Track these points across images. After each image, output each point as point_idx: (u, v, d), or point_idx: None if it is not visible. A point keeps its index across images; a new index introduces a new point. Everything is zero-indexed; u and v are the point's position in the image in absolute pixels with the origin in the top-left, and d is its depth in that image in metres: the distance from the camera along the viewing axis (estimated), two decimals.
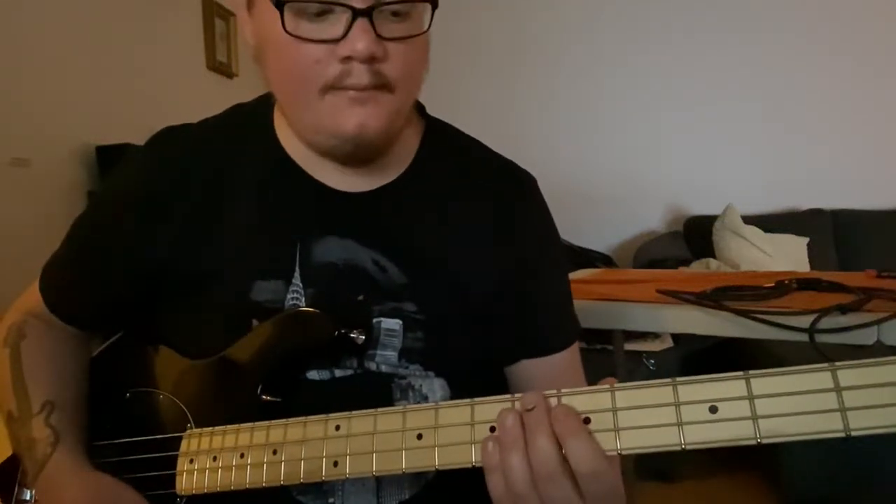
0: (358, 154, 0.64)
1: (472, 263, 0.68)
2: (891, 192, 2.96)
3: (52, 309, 0.75)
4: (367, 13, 0.55)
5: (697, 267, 2.63)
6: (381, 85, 0.59)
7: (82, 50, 2.02)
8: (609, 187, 3.28)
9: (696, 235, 2.96)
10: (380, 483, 0.65)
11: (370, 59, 0.57)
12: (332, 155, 0.66)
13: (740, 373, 0.43)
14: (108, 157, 1.98)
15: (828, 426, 0.40)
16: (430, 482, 0.66)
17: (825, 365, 0.41)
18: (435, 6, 0.59)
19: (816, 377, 0.40)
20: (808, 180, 3.07)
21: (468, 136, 0.76)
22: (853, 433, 0.39)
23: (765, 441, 0.41)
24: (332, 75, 0.57)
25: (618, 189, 3.27)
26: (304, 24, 0.57)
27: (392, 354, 0.65)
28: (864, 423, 0.39)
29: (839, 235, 2.88)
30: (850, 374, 0.40)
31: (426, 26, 0.60)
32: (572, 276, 1.81)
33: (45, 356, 0.73)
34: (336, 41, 0.56)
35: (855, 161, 3.03)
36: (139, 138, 0.75)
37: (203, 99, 2.62)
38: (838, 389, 0.40)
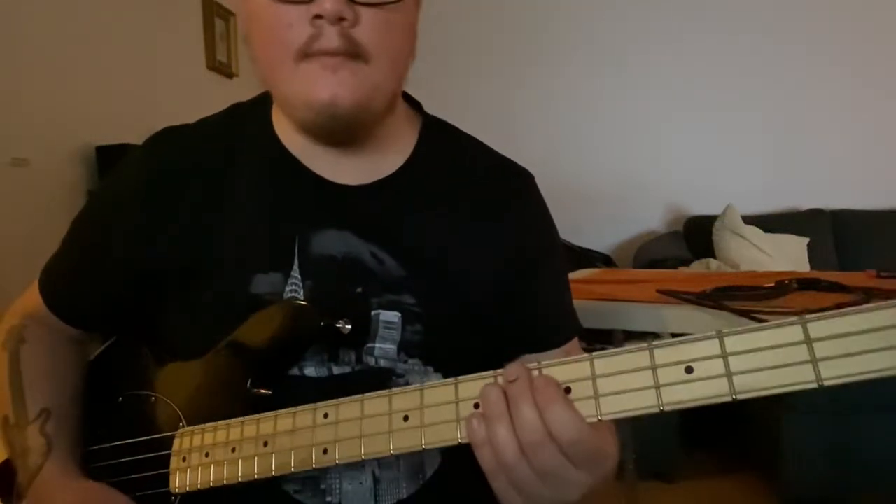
0: (335, 129, 0.63)
1: (471, 259, 0.68)
2: (891, 192, 2.97)
3: (52, 310, 0.75)
4: None
5: (697, 267, 2.63)
6: (354, 53, 0.58)
7: (82, 50, 2.02)
8: (609, 187, 3.28)
9: (696, 235, 2.96)
10: (377, 482, 0.65)
11: (339, 20, 0.57)
12: (312, 132, 0.65)
13: (714, 332, 0.43)
14: (108, 157, 1.97)
15: (800, 378, 0.40)
16: (427, 481, 0.66)
17: (795, 318, 0.41)
18: None
19: (788, 331, 0.41)
20: (808, 180, 3.07)
21: (465, 134, 0.77)
22: (825, 383, 0.39)
23: (740, 397, 0.42)
24: (305, 37, 0.57)
25: (618, 189, 3.27)
26: None
27: (391, 348, 0.65)
28: (835, 373, 0.39)
29: (839, 235, 2.88)
30: (820, 327, 0.40)
31: None
32: (572, 276, 1.81)
33: (45, 363, 0.72)
34: (308, 2, 0.57)
35: (855, 161, 3.03)
36: (139, 138, 0.75)
37: (203, 99, 2.62)
38: (809, 342, 0.40)
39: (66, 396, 0.72)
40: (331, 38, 0.57)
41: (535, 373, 0.48)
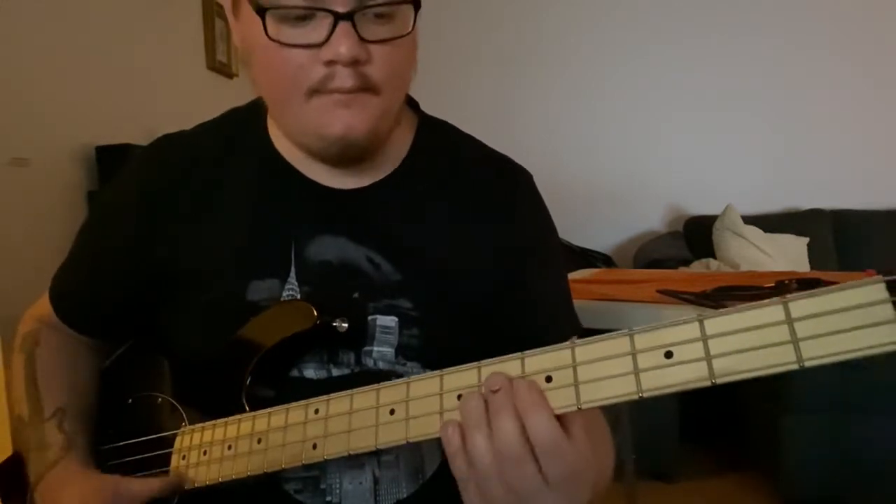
0: (346, 156, 0.64)
1: (468, 259, 0.68)
2: (891, 192, 2.97)
3: (63, 320, 0.76)
4: (349, 17, 0.55)
5: (697, 267, 2.63)
6: (366, 87, 0.59)
7: (82, 50, 2.02)
8: (609, 187, 3.28)
9: (696, 235, 2.96)
10: (377, 482, 0.65)
11: (353, 63, 0.57)
12: (321, 156, 0.66)
13: (694, 315, 0.43)
14: (108, 157, 1.97)
15: (781, 359, 0.39)
16: (427, 481, 0.66)
17: (776, 299, 0.40)
18: (417, 7, 0.59)
19: (769, 311, 0.40)
20: (808, 180, 3.07)
21: (462, 132, 0.76)
22: (806, 364, 0.38)
23: (719, 381, 0.41)
24: (317, 78, 0.57)
25: (618, 189, 3.27)
26: (287, 30, 0.57)
27: (389, 351, 0.65)
28: (817, 353, 0.38)
29: (839, 235, 2.88)
30: (801, 306, 0.39)
31: (410, 27, 0.59)
32: (572, 276, 1.81)
33: (58, 364, 0.74)
34: (319, 45, 0.56)
35: (855, 161, 3.03)
36: (139, 138, 0.76)
37: (203, 99, 2.62)
38: (790, 321, 0.39)
39: (79, 397, 0.73)
40: (345, 78, 0.57)
41: (517, 367, 0.48)
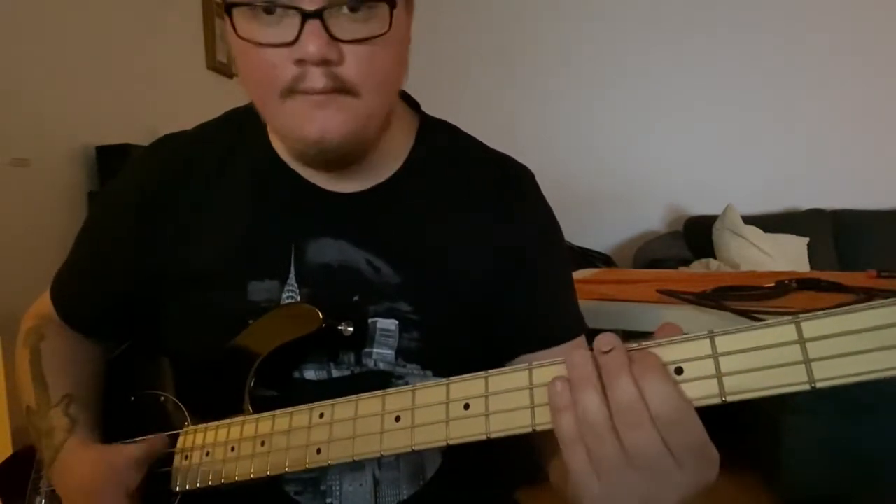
0: (328, 158, 0.63)
1: (469, 259, 0.67)
2: (891, 192, 2.97)
3: (64, 320, 0.76)
4: (318, 15, 0.54)
5: (697, 267, 2.63)
6: (341, 89, 0.57)
7: (82, 50, 2.02)
8: (609, 187, 3.28)
9: (696, 235, 2.96)
10: (378, 483, 0.65)
11: (324, 62, 0.55)
12: (303, 159, 0.65)
13: (705, 332, 0.42)
14: (108, 158, 1.97)
15: (792, 379, 0.39)
16: (427, 483, 0.66)
17: (789, 318, 0.39)
18: (392, 6, 0.57)
19: (781, 330, 0.40)
20: (808, 180, 3.07)
21: (463, 133, 0.76)
22: (818, 385, 0.38)
23: (729, 399, 0.40)
24: (289, 78, 0.56)
25: (618, 189, 3.28)
26: (258, 28, 0.56)
27: (389, 353, 0.65)
28: (828, 374, 0.38)
29: (839, 235, 2.89)
30: (813, 326, 0.39)
31: (387, 27, 0.57)
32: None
33: (64, 355, 0.75)
34: (289, 44, 0.55)
35: (855, 161, 3.03)
36: (139, 138, 0.76)
37: (203, 99, 2.62)
38: (802, 341, 0.39)
39: (86, 386, 0.74)
40: (315, 79, 0.56)
41: (525, 378, 0.46)
